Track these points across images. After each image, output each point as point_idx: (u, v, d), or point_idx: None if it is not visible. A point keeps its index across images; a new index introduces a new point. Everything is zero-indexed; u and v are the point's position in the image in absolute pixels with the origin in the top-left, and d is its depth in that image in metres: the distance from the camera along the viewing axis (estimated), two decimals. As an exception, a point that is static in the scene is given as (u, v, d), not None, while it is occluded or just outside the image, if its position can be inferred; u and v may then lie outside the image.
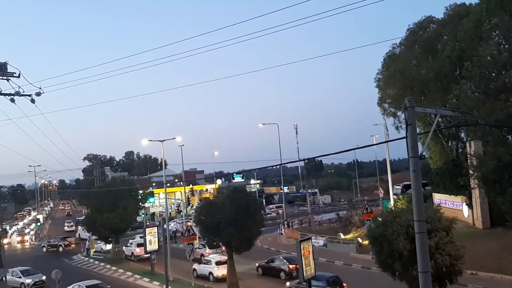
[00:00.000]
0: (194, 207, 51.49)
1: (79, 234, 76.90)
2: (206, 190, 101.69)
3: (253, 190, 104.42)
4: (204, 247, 42.26)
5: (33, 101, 17.54)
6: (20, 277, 38.08)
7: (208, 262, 36.42)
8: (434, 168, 49.53)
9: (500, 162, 25.85)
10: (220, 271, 34.25)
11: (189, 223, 48.65)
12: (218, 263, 35.12)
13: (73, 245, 64.46)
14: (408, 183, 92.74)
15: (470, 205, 39.01)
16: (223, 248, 33.82)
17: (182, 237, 42.32)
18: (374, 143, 54.37)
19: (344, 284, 27.12)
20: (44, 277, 38.04)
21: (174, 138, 47.37)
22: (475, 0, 41.53)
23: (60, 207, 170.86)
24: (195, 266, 36.85)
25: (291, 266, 33.25)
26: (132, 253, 49.13)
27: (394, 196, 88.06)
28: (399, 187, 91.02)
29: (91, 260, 51.23)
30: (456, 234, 21.31)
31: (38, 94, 17.37)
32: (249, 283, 33.56)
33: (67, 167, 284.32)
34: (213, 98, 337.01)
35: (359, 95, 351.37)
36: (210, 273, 35.47)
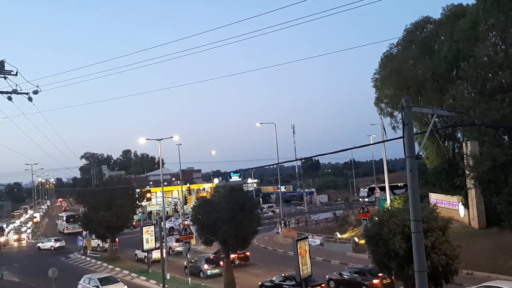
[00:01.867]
0: (191, 206, 51.56)
1: (58, 228, 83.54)
2: (203, 189, 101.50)
3: (250, 189, 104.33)
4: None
5: (30, 99, 17.44)
6: (97, 286, 32.37)
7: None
8: (430, 168, 49.57)
9: (495, 162, 25.90)
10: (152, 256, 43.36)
11: (185, 222, 48.69)
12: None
13: (3, 246, 64.61)
14: (373, 186, 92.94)
15: (466, 205, 39.06)
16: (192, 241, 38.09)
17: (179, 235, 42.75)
18: (371, 142, 54.54)
19: None
20: (125, 287, 33.53)
21: (172, 137, 47.31)
22: (472, 1, 41.67)
23: (57, 204, 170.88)
24: (137, 251, 46.16)
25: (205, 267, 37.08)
26: (98, 245, 55.38)
27: (360, 199, 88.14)
28: (365, 189, 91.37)
29: (88, 259, 51.12)
30: (452, 234, 21.39)
31: (35, 92, 17.28)
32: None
33: (64, 165, 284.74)
34: (210, 97, 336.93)
35: (356, 95, 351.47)
36: (145, 256, 43.50)
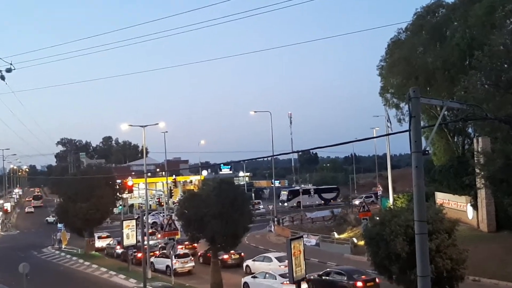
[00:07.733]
0: (177, 199, 51.58)
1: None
2: (191, 181, 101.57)
3: (242, 183, 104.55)
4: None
5: (3, 77, 17.40)
6: None
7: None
8: (437, 165, 49.78)
9: (509, 160, 26.01)
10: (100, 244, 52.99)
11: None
12: (99, 238, 53.74)
13: None
14: (296, 188, 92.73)
15: (475, 206, 39.24)
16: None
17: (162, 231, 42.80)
18: (374, 136, 54.51)
19: None
20: None
21: (157, 123, 47.21)
22: (489, -16, 41.62)
23: (30, 191, 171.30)
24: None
25: None
26: None
27: (280, 204, 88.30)
28: (285, 192, 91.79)
29: (63, 254, 51.08)
30: (459, 237, 21.49)
31: (8, 70, 17.22)
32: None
33: (39, 151, 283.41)
34: (200, 82, 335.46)
35: (360, 83, 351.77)
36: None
